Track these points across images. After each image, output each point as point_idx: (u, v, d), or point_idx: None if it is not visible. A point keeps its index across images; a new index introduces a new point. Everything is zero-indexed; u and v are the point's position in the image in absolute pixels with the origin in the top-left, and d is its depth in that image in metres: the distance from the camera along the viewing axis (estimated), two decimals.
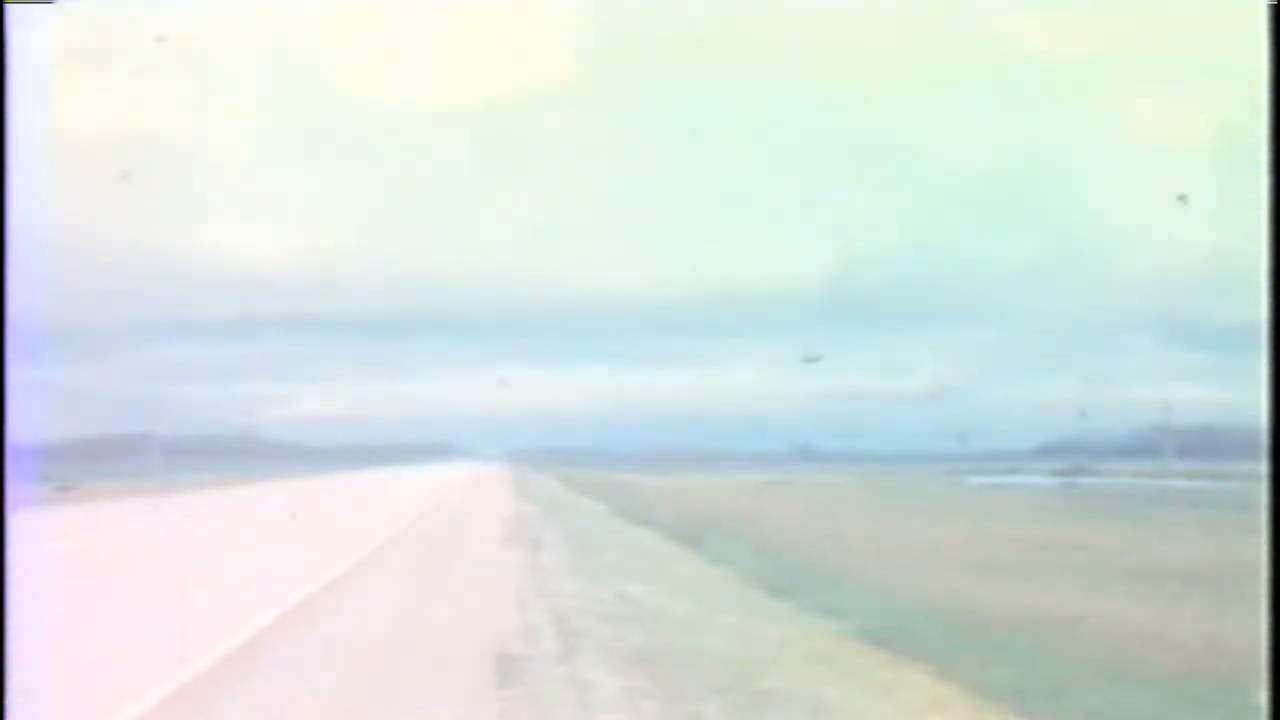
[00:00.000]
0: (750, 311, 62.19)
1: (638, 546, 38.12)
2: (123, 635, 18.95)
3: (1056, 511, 55.44)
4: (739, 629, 21.13)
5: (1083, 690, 16.87)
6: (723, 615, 22.66)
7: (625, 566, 31.02)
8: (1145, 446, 73.90)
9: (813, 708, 14.90)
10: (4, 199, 11.65)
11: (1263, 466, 11.06)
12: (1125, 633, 20.83)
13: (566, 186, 48.95)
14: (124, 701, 14.45)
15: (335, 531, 41.12)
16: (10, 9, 11.77)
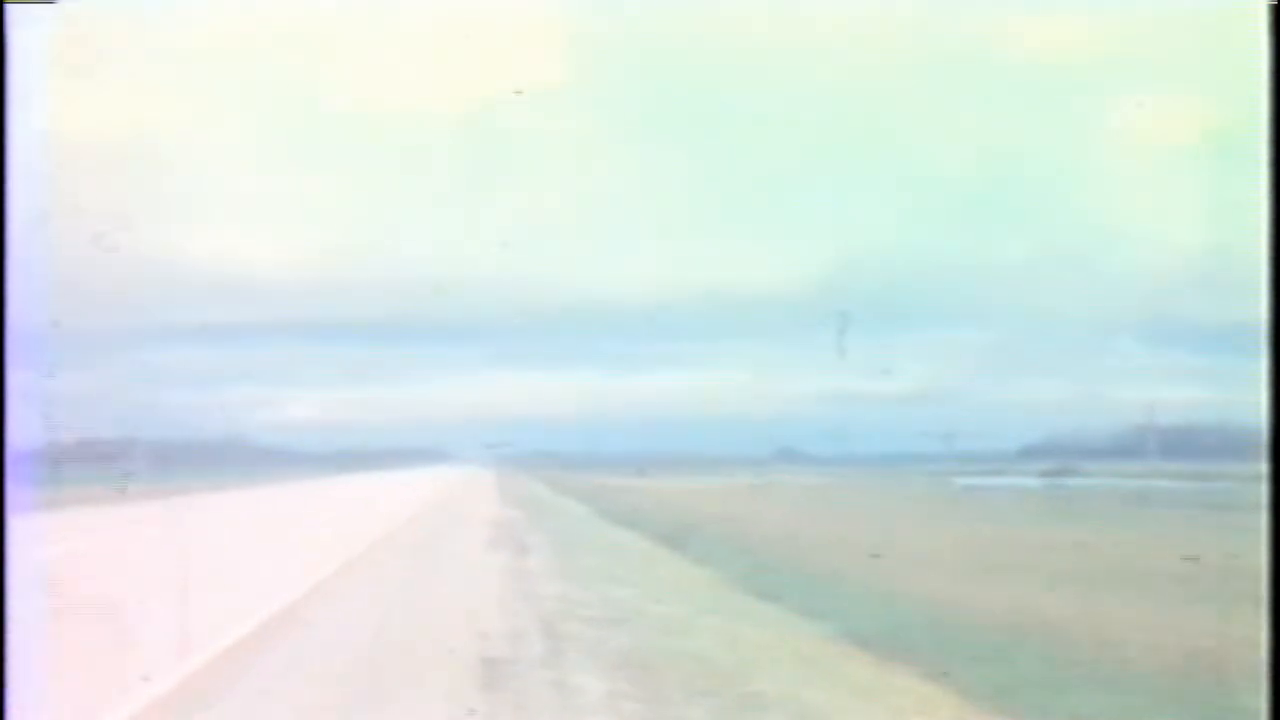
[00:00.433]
0: (736, 313, 62.16)
1: (623, 549, 38.09)
2: (116, 639, 18.89)
3: (1042, 512, 55.49)
4: (725, 632, 21.10)
5: (1070, 691, 16.86)
6: (708, 618, 22.63)
7: (610, 569, 30.98)
8: (1131, 447, 73.97)
9: (799, 710, 14.87)
10: (3, 202, 11.61)
11: (1263, 466, 11.04)
12: (1113, 633, 20.82)
13: (556, 189, 48.90)
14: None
15: (319, 536, 41.03)
16: (10, 9, 11.71)
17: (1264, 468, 10.96)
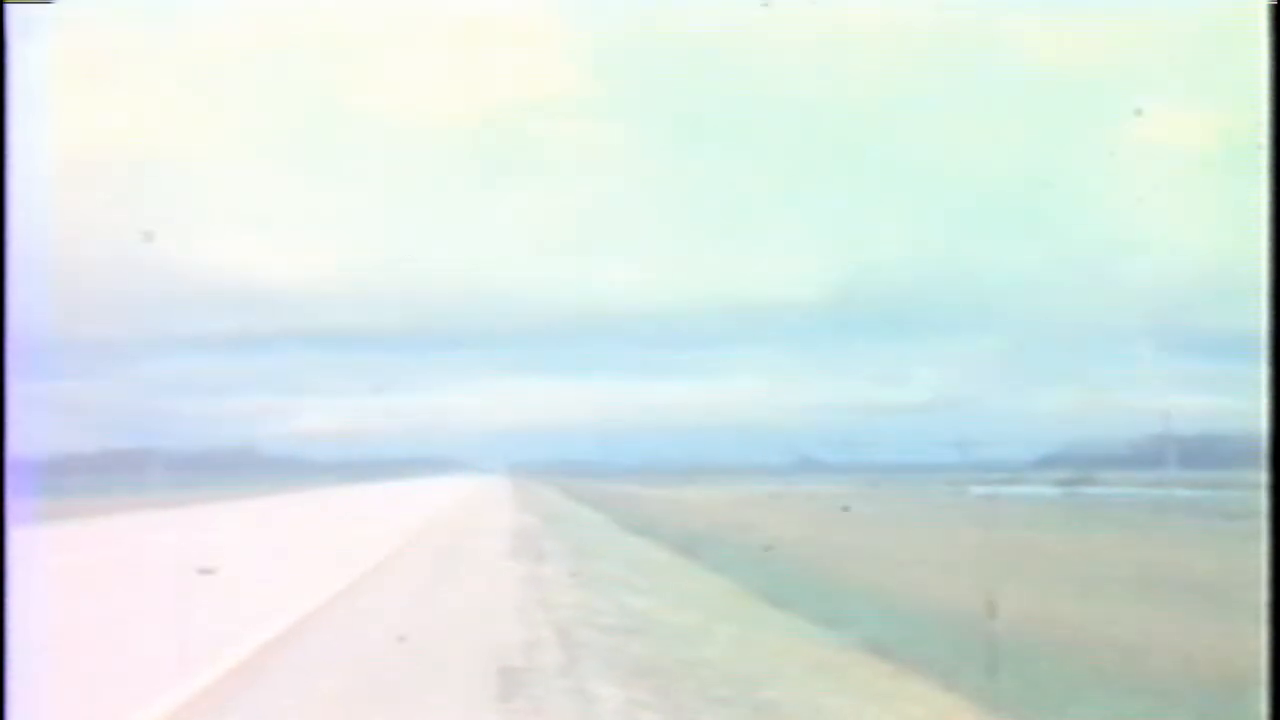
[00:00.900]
0: (752, 322, 62.16)
1: (639, 557, 38.09)
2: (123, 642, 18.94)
3: (1059, 521, 55.39)
4: (740, 640, 21.11)
5: (1087, 700, 16.85)
6: (724, 626, 22.64)
7: (626, 578, 30.99)
8: (1147, 456, 73.87)
9: (815, 719, 14.87)
10: (4, 207, 11.63)
11: (1262, 474, 11.04)
12: (1129, 642, 20.80)
13: (567, 198, 48.98)
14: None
15: (333, 546, 41.07)
16: (10, 9, 11.74)
17: (1263, 476, 10.96)
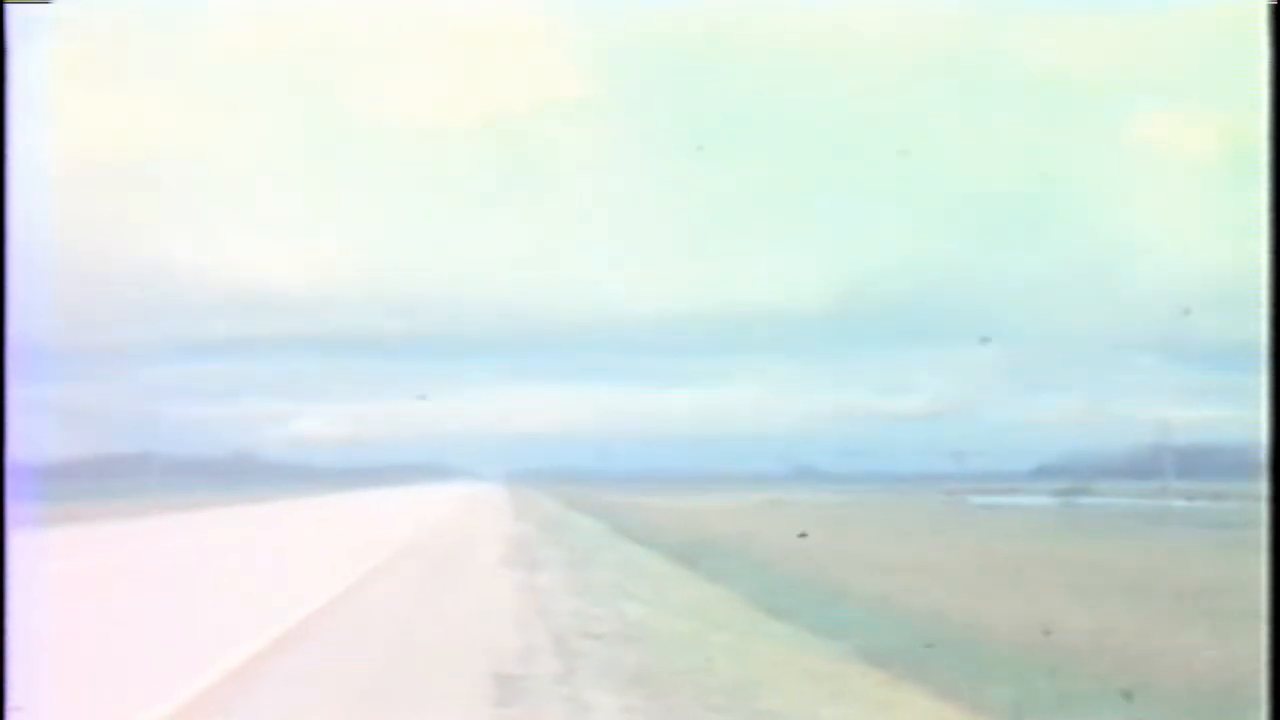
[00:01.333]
0: (751, 330, 62.13)
1: (636, 566, 38.05)
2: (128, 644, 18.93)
3: (1056, 531, 55.37)
4: (737, 648, 21.08)
5: (1081, 708, 16.83)
6: (721, 634, 22.61)
7: (623, 586, 30.96)
8: (1145, 466, 73.83)
9: None
10: (4, 210, 11.62)
11: (1262, 485, 11.02)
12: (1123, 651, 20.79)
13: (569, 205, 48.98)
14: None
15: (332, 553, 41.04)
16: (10, 10, 11.73)
17: (1263, 486, 10.94)
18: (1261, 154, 11.07)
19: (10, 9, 11.74)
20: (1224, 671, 17.64)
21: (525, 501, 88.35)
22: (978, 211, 49.17)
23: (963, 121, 42.21)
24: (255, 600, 26.37)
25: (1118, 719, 16.45)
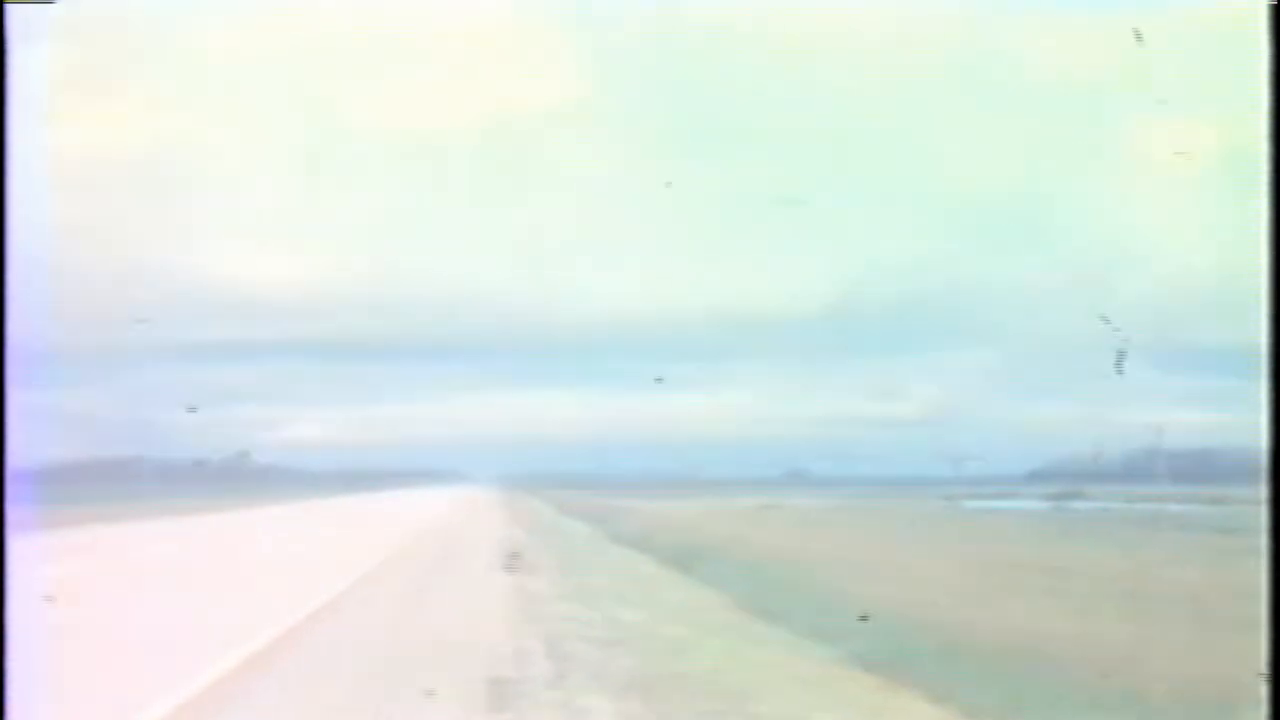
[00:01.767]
0: (746, 335, 62.11)
1: (630, 570, 38.01)
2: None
3: (1049, 535, 55.37)
4: (731, 653, 21.04)
5: (1074, 714, 16.79)
6: (714, 639, 22.57)
7: (616, 590, 30.92)
8: (1140, 471, 73.86)
9: None
10: (4, 213, 11.57)
11: (1260, 489, 10.98)
12: (1118, 656, 20.75)
13: (565, 210, 48.94)
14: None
15: (325, 556, 41.00)
16: (10, 11, 11.66)
17: (1263, 490, 10.90)
18: (1260, 158, 11.03)
19: (10, 9, 11.67)
20: (1218, 676, 17.60)
21: (519, 505, 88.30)
22: (974, 215, 49.19)
23: (959, 125, 42.21)
24: (248, 606, 26.32)
25: None
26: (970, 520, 71.73)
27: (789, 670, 19.32)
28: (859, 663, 19.89)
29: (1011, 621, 25.17)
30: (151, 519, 60.53)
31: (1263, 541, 10.79)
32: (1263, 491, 10.85)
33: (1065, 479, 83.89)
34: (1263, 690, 10.89)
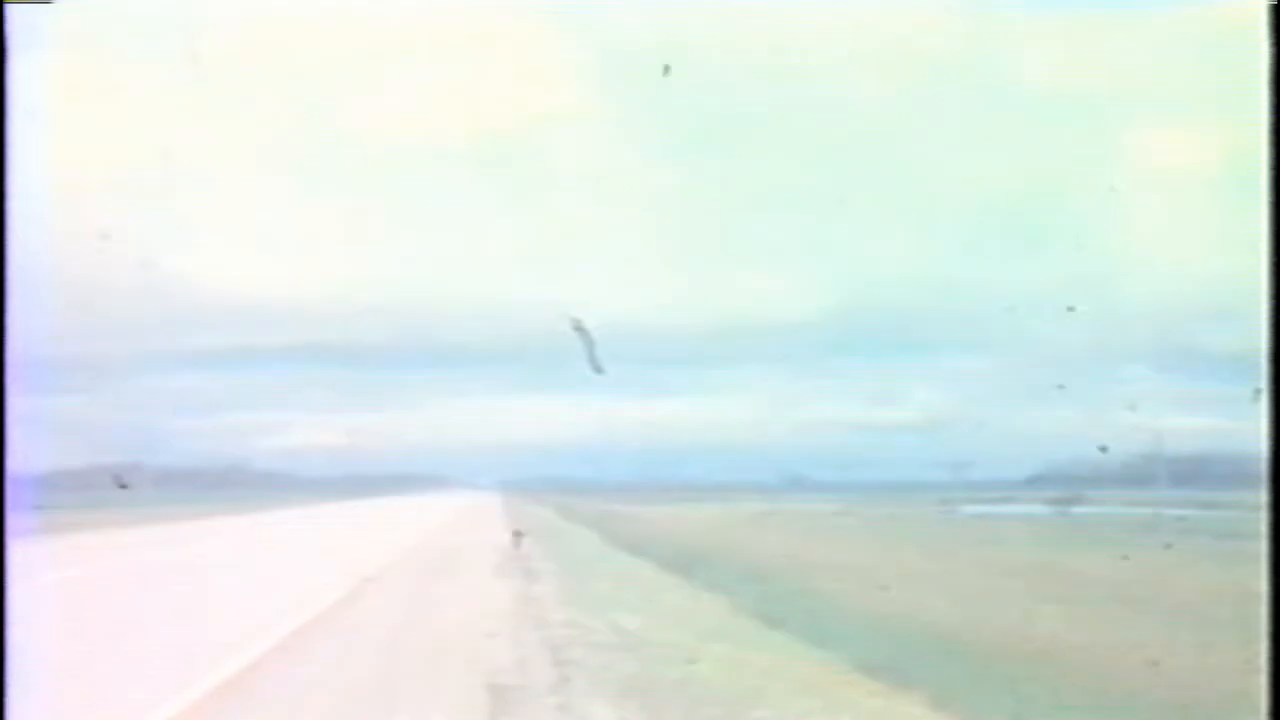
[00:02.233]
0: (746, 340, 62.16)
1: (631, 576, 38.04)
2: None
3: (1048, 540, 55.42)
4: (731, 658, 21.08)
5: (1076, 718, 16.84)
6: (715, 644, 22.61)
7: (618, 596, 30.95)
8: (1139, 475, 73.90)
9: None
10: (3, 216, 11.61)
11: (1260, 493, 11.03)
12: (1119, 661, 20.81)
13: (563, 215, 48.96)
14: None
15: (326, 561, 41.02)
16: (10, 11, 11.69)
17: (1263, 495, 10.95)
18: (1259, 163, 11.07)
19: (9, 10, 11.72)
20: (1217, 680, 17.65)
21: (518, 511, 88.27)
22: (973, 219, 49.21)
23: (958, 129, 42.24)
24: (247, 612, 26.35)
25: None
26: (970, 525, 71.75)
27: (790, 675, 19.36)
28: (861, 668, 19.94)
29: (1012, 627, 25.22)
30: (141, 526, 60.50)
31: (1261, 546, 10.85)
32: (1263, 496, 10.90)
33: (1064, 483, 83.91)
34: (1263, 689, 10.95)
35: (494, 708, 16.00)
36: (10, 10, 11.73)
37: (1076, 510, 78.11)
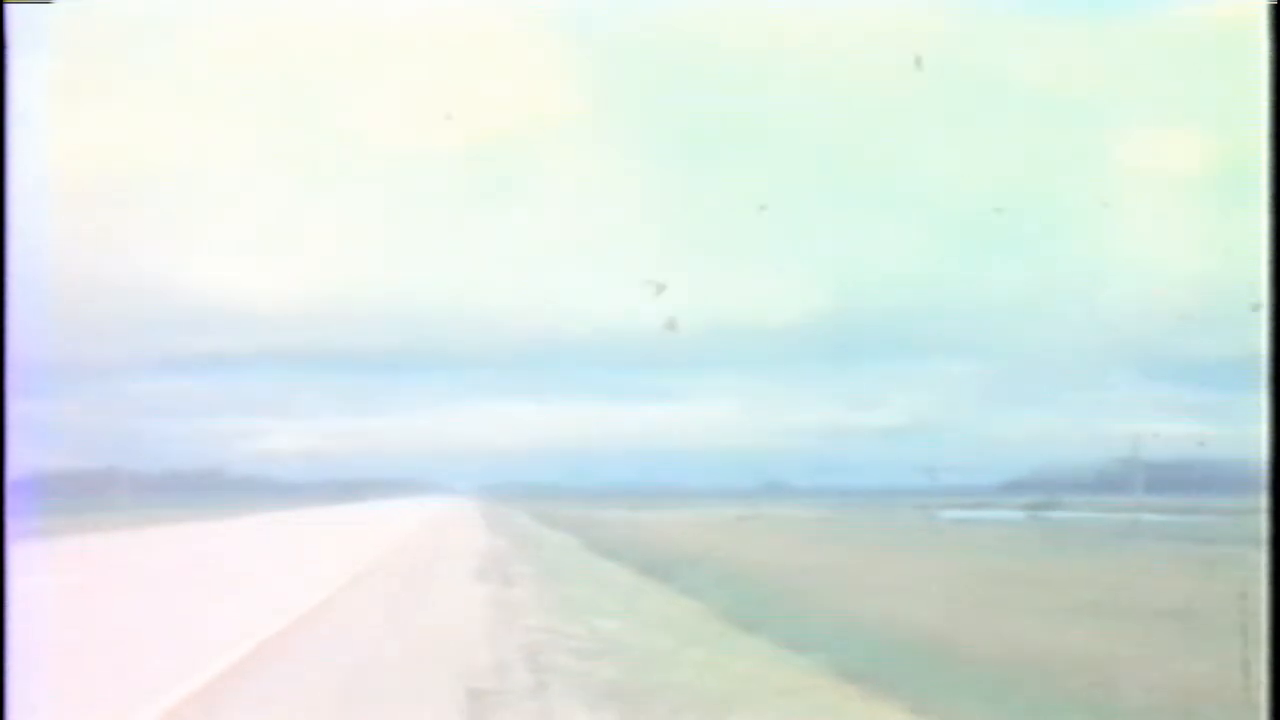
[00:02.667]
0: (724, 345, 62.18)
1: (609, 580, 38.03)
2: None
3: (1024, 546, 55.50)
4: (709, 663, 21.08)
5: None
6: (693, 649, 22.61)
7: (596, 601, 30.94)
8: (1116, 481, 74.06)
9: None
10: (3, 219, 11.57)
11: (1262, 499, 11.06)
12: (1095, 666, 20.83)
13: (547, 221, 48.95)
14: None
15: (302, 567, 40.95)
16: (10, 12, 11.66)
17: (1264, 500, 10.98)
18: (1255, 166, 11.09)
19: (9, 10, 11.68)
20: (1198, 685, 17.69)
21: (498, 516, 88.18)
22: (957, 224, 49.28)
23: (945, 134, 42.30)
24: (222, 620, 26.29)
25: None
26: (947, 531, 71.83)
27: (769, 679, 19.36)
28: (840, 672, 19.95)
29: (989, 631, 25.25)
30: (109, 531, 60.30)
31: (1243, 551, 10.89)
32: (1262, 500, 10.93)
33: (1042, 489, 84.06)
34: (1263, 688, 10.98)
35: (473, 711, 15.98)
36: (10, 10, 11.69)
37: (1053, 515, 78.25)
